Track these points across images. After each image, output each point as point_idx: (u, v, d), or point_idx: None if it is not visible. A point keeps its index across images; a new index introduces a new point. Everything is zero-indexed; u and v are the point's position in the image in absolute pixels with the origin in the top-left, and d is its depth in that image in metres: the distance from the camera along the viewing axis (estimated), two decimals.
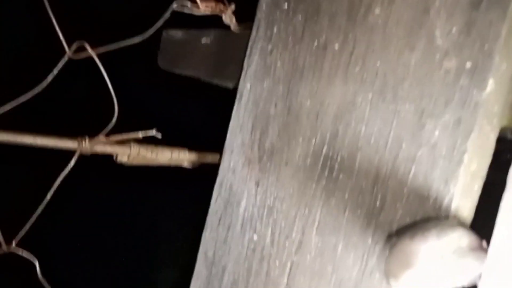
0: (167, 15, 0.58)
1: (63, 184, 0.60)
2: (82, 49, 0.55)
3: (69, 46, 0.55)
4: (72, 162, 0.59)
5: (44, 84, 0.54)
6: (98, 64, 0.56)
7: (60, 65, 0.54)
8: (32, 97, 0.55)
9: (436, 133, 0.39)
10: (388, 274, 0.32)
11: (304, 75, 0.52)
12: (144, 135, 0.64)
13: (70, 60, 0.56)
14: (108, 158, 0.63)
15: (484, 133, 0.37)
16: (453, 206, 0.37)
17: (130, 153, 0.64)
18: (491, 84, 0.36)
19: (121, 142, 0.64)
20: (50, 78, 0.54)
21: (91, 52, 0.55)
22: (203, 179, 0.64)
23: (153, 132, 0.64)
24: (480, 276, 0.35)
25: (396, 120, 0.42)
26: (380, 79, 0.44)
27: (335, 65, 0.49)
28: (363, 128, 0.45)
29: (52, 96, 0.55)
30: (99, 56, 0.58)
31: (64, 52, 0.54)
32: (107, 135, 0.62)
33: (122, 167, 0.65)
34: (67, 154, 0.59)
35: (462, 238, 0.32)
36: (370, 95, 0.45)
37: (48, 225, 0.58)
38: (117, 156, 0.64)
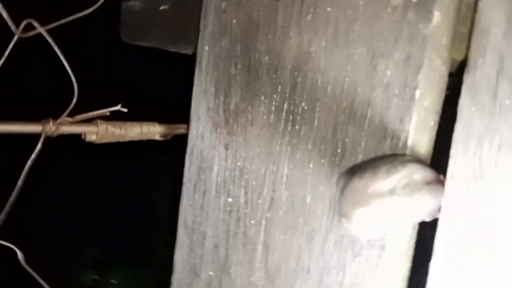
0: None
1: (35, 169, 0.59)
2: (31, 27, 0.54)
3: (17, 25, 0.53)
4: (39, 146, 0.58)
5: None
6: (49, 40, 0.54)
7: (10, 45, 0.53)
8: None
9: (388, 72, 0.38)
10: (341, 215, 0.33)
11: (259, 30, 0.50)
12: (108, 111, 0.63)
13: (21, 40, 0.54)
14: (77, 138, 0.63)
15: (435, 67, 0.37)
16: (409, 143, 0.37)
17: (98, 131, 0.63)
18: (437, 16, 0.36)
19: (87, 121, 0.63)
20: (1, 60, 0.53)
21: (40, 29, 0.53)
22: (177, 149, 0.64)
23: (117, 107, 0.63)
24: (439, 210, 0.35)
25: (350, 64, 0.41)
26: (332, 25, 0.43)
27: (288, 16, 0.47)
28: (320, 78, 0.44)
29: (8, 80, 0.54)
30: (52, 33, 0.56)
31: (12, 33, 0.52)
32: (72, 114, 0.61)
33: (93, 145, 0.64)
34: (34, 138, 0.58)
35: (414, 173, 0.32)
36: (324, 43, 0.44)
37: (25, 212, 0.57)
38: (85, 135, 0.63)
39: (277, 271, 0.49)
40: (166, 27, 0.73)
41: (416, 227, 0.41)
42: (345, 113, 0.42)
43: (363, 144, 0.40)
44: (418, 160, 0.34)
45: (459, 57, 0.38)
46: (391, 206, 0.31)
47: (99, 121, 0.64)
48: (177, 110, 0.66)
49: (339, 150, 0.42)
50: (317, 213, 0.45)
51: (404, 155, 0.35)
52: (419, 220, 0.34)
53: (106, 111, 0.63)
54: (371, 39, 0.40)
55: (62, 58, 0.56)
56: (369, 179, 0.32)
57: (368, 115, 0.40)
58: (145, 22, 0.77)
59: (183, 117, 0.65)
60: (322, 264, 0.44)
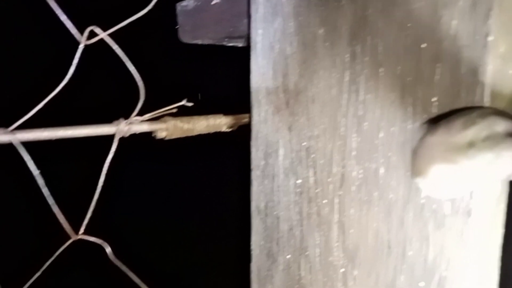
0: None
1: (113, 168, 0.62)
2: (94, 34, 0.57)
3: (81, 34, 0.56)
4: (114, 146, 0.61)
5: (68, 75, 0.56)
6: (112, 44, 0.57)
7: (78, 54, 0.56)
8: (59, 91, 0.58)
9: (454, 22, 0.35)
10: (414, 173, 0.30)
11: (311, 4, 0.49)
12: (176, 106, 0.65)
13: (86, 47, 0.57)
14: (149, 136, 0.65)
15: (507, 9, 0.33)
16: (486, 97, 0.33)
17: (167, 128, 0.65)
18: None
19: (156, 119, 0.65)
20: (72, 69, 0.56)
21: (103, 34, 0.56)
22: (244, 138, 0.64)
23: (183, 102, 0.65)
24: None
25: (411, 21, 0.39)
26: None
27: None
28: (380, 41, 0.42)
29: (78, 86, 0.57)
30: (115, 38, 0.59)
31: (77, 41, 0.56)
32: (141, 114, 0.64)
33: (165, 141, 0.66)
34: (108, 140, 0.62)
35: (495, 125, 0.29)
36: (379, 5, 0.41)
37: (108, 209, 0.61)
38: (156, 133, 0.66)
39: (356, 249, 0.47)
40: (219, 20, 0.74)
41: (506, 189, 0.37)
42: (411, 73, 0.39)
43: (435, 104, 0.37)
44: (499, 112, 0.31)
45: None
46: (471, 160, 0.28)
47: (167, 118, 0.66)
48: (239, 101, 0.67)
49: (409, 114, 0.39)
50: (392, 185, 0.42)
51: (482, 107, 0.32)
52: (506, 177, 0.31)
53: (173, 107, 0.65)
54: None
55: (126, 60, 0.58)
56: (443, 134, 0.29)
57: (437, 72, 0.37)
58: (200, 19, 0.78)
59: (246, 107, 0.66)
60: (402, 237, 0.42)
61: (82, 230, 0.62)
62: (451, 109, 0.34)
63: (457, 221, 0.37)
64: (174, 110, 0.67)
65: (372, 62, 0.43)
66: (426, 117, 0.38)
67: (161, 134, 0.66)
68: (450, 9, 0.35)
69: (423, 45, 0.38)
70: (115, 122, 0.62)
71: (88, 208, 0.62)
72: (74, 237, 0.61)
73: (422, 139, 0.30)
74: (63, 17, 0.53)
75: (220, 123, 0.71)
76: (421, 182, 0.29)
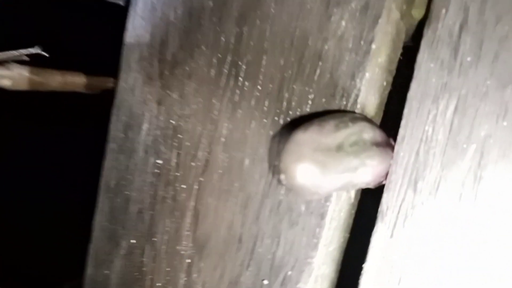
0: None
1: None
2: None
3: None
4: None
5: None
6: None
7: None
8: None
9: (343, 23, 0.35)
10: (279, 171, 0.29)
11: None
12: (25, 53, 0.55)
13: None
14: None
15: (393, 20, 0.34)
16: (360, 102, 0.34)
17: (12, 76, 0.55)
18: None
19: (0, 64, 0.55)
20: None
21: None
22: (104, 104, 0.57)
23: (36, 50, 0.55)
24: (386, 176, 0.33)
25: (302, 13, 0.37)
26: None
27: None
28: (268, 27, 0.40)
29: None
30: None
31: None
32: None
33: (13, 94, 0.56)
34: None
35: (364, 132, 0.29)
36: None
37: None
38: None
39: (206, 240, 0.45)
40: None
41: (358, 196, 0.38)
42: (293, 68, 0.38)
43: (310, 102, 0.37)
44: (369, 120, 0.31)
45: (418, 15, 0.35)
46: (337, 163, 0.27)
47: (13, 64, 0.56)
48: (108, 63, 0.59)
49: (283, 109, 0.38)
50: (254, 178, 0.41)
51: (354, 112, 0.32)
52: (364, 185, 0.31)
53: (23, 53, 0.55)
54: None
55: None
56: (315, 132, 0.28)
57: (318, 70, 0.36)
58: None
59: (114, 70, 0.59)
60: (255, 232, 0.40)
61: None
62: (325, 110, 0.33)
63: (311, 221, 0.36)
64: (26, 58, 0.57)
65: (257, 48, 0.41)
66: (299, 113, 0.37)
67: (4, 83, 0.56)
68: (342, 8, 0.34)
69: (309, 41, 0.37)
70: None
71: None
72: None
73: (292, 135, 0.28)
74: None
75: (79, 82, 0.63)
76: (286, 180, 0.28)
